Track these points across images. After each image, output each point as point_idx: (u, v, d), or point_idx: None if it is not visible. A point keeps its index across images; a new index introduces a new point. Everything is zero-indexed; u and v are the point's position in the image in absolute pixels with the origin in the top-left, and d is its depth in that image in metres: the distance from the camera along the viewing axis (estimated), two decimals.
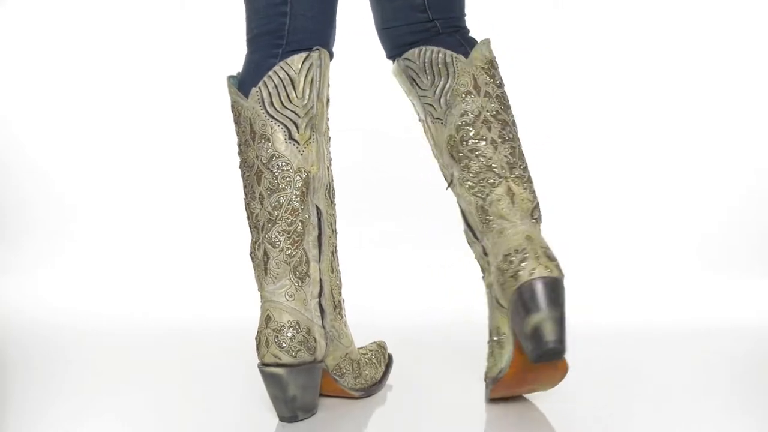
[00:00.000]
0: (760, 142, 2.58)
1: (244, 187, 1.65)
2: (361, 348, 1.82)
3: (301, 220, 1.62)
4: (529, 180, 1.67)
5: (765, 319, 2.31)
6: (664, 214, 2.56)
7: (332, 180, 1.74)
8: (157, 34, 2.66)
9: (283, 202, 1.61)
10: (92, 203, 2.61)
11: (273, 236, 1.62)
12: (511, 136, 1.68)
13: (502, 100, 1.71)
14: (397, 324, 2.16)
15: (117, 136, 2.64)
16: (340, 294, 1.74)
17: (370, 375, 1.77)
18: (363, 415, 1.70)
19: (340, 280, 1.74)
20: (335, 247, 1.73)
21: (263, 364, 1.60)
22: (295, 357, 1.59)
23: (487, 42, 1.72)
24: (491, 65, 1.71)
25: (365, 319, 2.01)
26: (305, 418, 1.61)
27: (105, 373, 1.92)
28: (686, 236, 2.54)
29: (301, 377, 1.59)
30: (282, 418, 1.61)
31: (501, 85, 1.72)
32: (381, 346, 1.84)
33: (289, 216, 1.62)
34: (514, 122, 1.71)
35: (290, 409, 1.59)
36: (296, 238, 1.62)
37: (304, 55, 1.65)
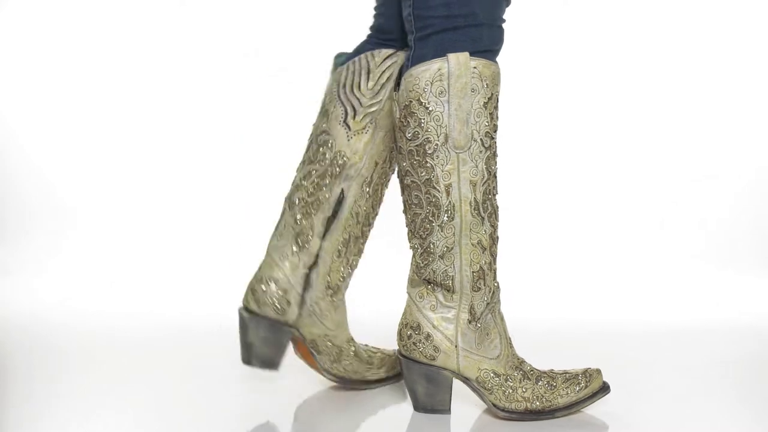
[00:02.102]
0: (762, 140, 2.58)
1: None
2: (368, 346, 1.81)
3: (319, 197, 1.67)
4: (424, 252, 1.62)
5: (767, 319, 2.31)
6: (664, 214, 2.56)
7: (384, 183, 1.73)
8: (158, 34, 2.65)
9: (312, 175, 1.68)
10: (92, 204, 2.61)
11: (293, 199, 1.70)
12: (416, 201, 1.61)
13: (414, 156, 1.58)
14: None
15: (117, 137, 2.64)
16: (342, 280, 1.73)
17: (353, 369, 1.76)
18: (362, 414, 1.70)
19: (347, 269, 1.74)
20: (357, 238, 1.72)
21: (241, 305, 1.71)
22: (260, 309, 1.67)
23: (411, 75, 1.56)
24: (408, 110, 1.57)
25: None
26: (262, 369, 1.70)
27: (105, 373, 1.92)
28: (688, 235, 2.54)
29: (262, 329, 1.67)
30: (242, 361, 1.71)
31: (414, 137, 1.57)
32: (391, 358, 1.82)
33: (311, 188, 1.68)
34: (427, 180, 1.58)
35: (246, 354, 1.69)
36: (309, 211, 1.68)
37: (391, 51, 1.67)
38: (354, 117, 1.67)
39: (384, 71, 1.67)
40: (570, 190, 2.58)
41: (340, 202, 1.68)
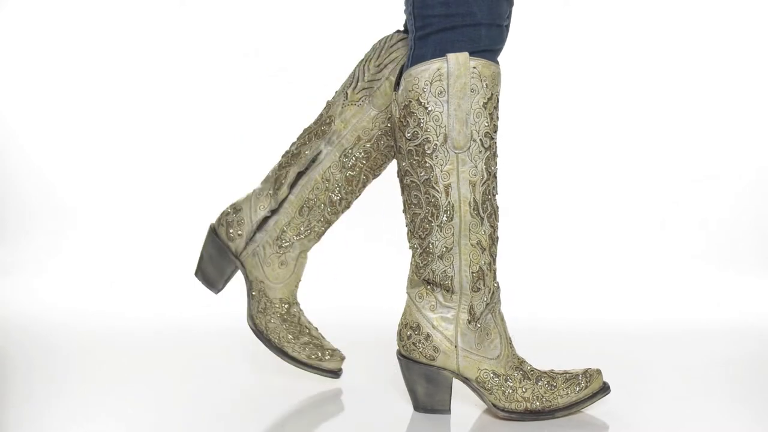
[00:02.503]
0: (762, 140, 2.58)
1: None
2: (312, 326, 1.82)
3: (298, 151, 1.78)
4: (423, 252, 1.63)
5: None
6: (665, 214, 2.56)
7: (371, 173, 1.78)
8: (158, 34, 2.65)
9: (305, 131, 1.79)
10: (92, 204, 2.61)
11: (286, 149, 1.81)
12: (416, 201, 1.62)
13: (413, 156, 1.59)
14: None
15: (117, 137, 2.64)
16: (297, 238, 1.78)
17: (274, 329, 1.79)
18: (362, 414, 1.70)
19: (307, 233, 1.78)
20: (325, 206, 1.77)
21: None
22: (217, 228, 1.82)
23: (410, 75, 1.57)
24: (407, 109, 1.58)
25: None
26: (203, 284, 1.83)
27: (105, 373, 1.92)
28: (689, 235, 2.54)
29: (212, 247, 1.82)
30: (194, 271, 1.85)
31: (414, 137, 1.59)
32: (340, 358, 1.81)
33: (299, 142, 1.79)
34: (427, 180, 1.59)
35: (198, 262, 1.84)
36: (289, 161, 1.78)
37: (405, 36, 1.71)
38: (354, 88, 1.74)
39: (392, 53, 1.71)
40: (571, 191, 2.58)
41: (313, 160, 1.76)
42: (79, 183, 2.62)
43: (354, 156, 1.75)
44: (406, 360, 1.64)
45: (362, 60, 1.76)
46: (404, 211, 1.64)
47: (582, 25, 2.62)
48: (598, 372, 1.66)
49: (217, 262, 1.82)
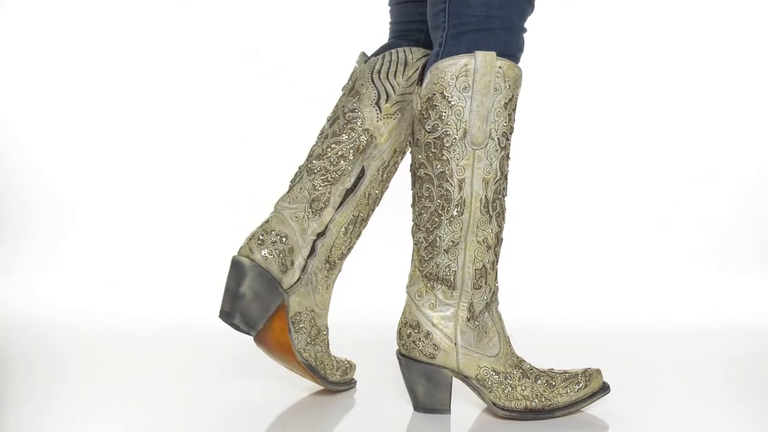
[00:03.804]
0: (762, 140, 2.58)
1: (320, 132, 1.75)
2: (335, 355, 1.79)
3: (343, 168, 1.69)
4: (429, 246, 1.62)
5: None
6: (665, 214, 2.56)
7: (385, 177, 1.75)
8: (158, 34, 2.65)
9: (336, 147, 1.70)
10: (92, 204, 2.61)
11: (314, 166, 1.70)
12: (427, 194, 1.61)
13: (431, 148, 1.59)
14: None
15: (117, 137, 2.64)
16: (340, 258, 1.73)
17: (321, 358, 1.70)
18: (362, 414, 1.70)
19: (347, 248, 1.75)
20: (363, 221, 1.75)
21: (238, 253, 1.65)
22: (266, 260, 1.62)
23: (437, 68, 1.58)
24: (430, 102, 1.59)
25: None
26: (239, 329, 1.62)
27: (105, 373, 1.92)
28: (688, 235, 2.54)
29: (258, 282, 1.61)
30: (221, 312, 1.63)
31: (434, 129, 1.59)
32: (352, 367, 1.81)
33: (336, 158, 1.70)
34: (441, 174, 1.59)
35: (231, 304, 1.61)
36: (330, 179, 1.69)
37: (427, 51, 1.72)
38: (387, 101, 1.72)
39: (419, 67, 1.72)
40: (571, 191, 2.58)
41: (359, 177, 1.71)
42: (79, 183, 2.62)
43: (389, 170, 1.75)
44: (406, 359, 1.64)
45: (369, 71, 1.73)
46: (413, 204, 1.65)
47: (582, 25, 2.62)
48: (598, 372, 1.66)
49: (263, 298, 1.62)
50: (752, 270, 2.48)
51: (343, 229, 1.72)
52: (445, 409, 1.64)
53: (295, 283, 1.67)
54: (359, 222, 1.74)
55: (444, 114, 1.58)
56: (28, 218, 2.61)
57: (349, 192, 1.71)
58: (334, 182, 1.70)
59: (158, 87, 2.64)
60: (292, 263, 1.65)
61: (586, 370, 1.65)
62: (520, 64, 1.64)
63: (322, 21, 2.63)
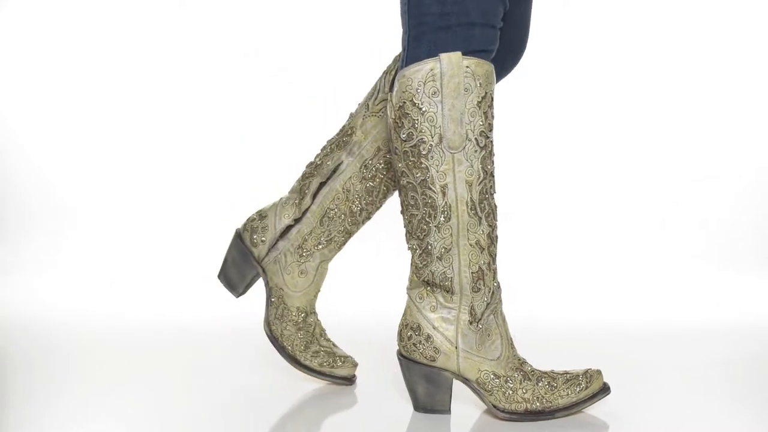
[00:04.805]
0: (762, 140, 2.58)
1: None
2: (330, 341, 1.83)
3: (321, 161, 1.79)
4: (423, 253, 1.62)
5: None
6: (665, 214, 2.56)
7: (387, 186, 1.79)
8: (158, 34, 2.65)
9: (328, 142, 1.81)
10: (92, 204, 2.61)
11: (311, 160, 1.83)
12: (413, 202, 1.61)
13: (409, 157, 1.58)
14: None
15: (117, 137, 2.64)
16: (317, 248, 1.80)
17: (288, 337, 1.80)
18: (362, 414, 1.70)
19: (327, 243, 1.79)
20: (346, 216, 1.79)
21: None
22: (242, 233, 1.84)
23: (403, 76, 1.56)
24: (402, 111, 1.57)
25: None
26: (225, 286, 1.85)
27: (105, 373, 1.92)
28: (689, 235, 2.54)
29: (236, 251, 1.85)
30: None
31: (409, 138, 1.57)
32: (353, 364, 1.83)
33: (322, 153, 1.80)
34: (423, 181, 1.58)
35: (222, 266, 1.87)
36: (312, 172, 1.80)
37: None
38: (375, 99, 1.75)
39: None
40: (571, 191, 2.58)
41: (335, 170, 1.78)
42: (79, 183, 2.62)
43: (374, 167, 1.76)
44: (406, 360, 1.64)
45: (385, 71, 1.77)
46: (402, 212, 1.64)
47: (581, 24, 2.62)
48: (599, 372, 1.66)
49: (239, 266, 1.84)
50: (752, 270, 2.47)
51: (320, 220, 1.79)
52: (445, 409, 1.64)
53: (264, 258, 1.81)
54: (339, 217, 1.78)
55: (417, 121, 1.56)
56: (28, 218, 2.61)
57: (323, 184, 1.78)
58: (316, 174, 1.79)
59: (158, 87, 2.64)
60: (263, 241, 1.81)
61: (586, 371, 1.65)
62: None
63: (322, 21, 2.63)
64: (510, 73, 1.78)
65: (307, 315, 1.82)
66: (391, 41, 2.14)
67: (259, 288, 1.91)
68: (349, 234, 1.81)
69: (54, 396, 1.77)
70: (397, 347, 1.66)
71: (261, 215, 1.83)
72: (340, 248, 1.82)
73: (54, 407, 1.70)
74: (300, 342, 1.80)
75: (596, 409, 1.67)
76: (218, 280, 1.89)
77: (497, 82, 1.74)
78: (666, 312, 2.35)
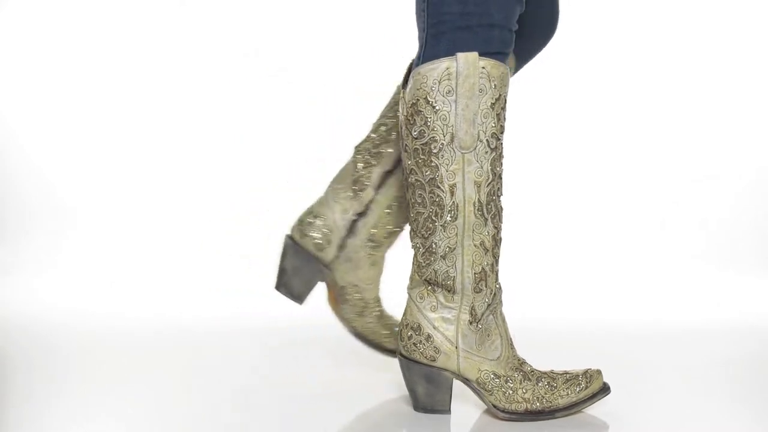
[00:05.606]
0: (762, 140, 2.58)
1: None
2: (394, 317, 1.81)
3: (382, 150, 1.72)
4: (426, 252, 1.62)
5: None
6: (665, 214, 2.56)
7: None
8: (158, 34, 2.65)
9: (381, 128, 1.74)
10: (92, 204, 2.61)
11: (360, 147, 1.75)
12: (420, 200, 1.61)
13: (419, 155, 1.58)
14: None
15: (117, 137, 2.64)
16: (385, 237, 1.75)
17: (372, 329, 1.78)
18: (362, 414, 1.70)
19: (393, 229, 1.76)
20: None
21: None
22: (301, 239, 1.74)
23: (419, 73, 1.56)
24: (415, 108, 1.57)
25: None
26: (288, 297, 1.76)
27: (105, 373, 1.92)
28: (689, 235, 2.54)
29: (296, 259, 1.75)
30: (275, 286, 1.78)
31: (421, 135, 1.57)
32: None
33: (377, 140, 1.73)
34: (432, 180, 1.58)
35: (279, 276, 1.77)
36: (370, 161, 1.73)
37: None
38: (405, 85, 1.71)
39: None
40: (571, 191, 2.58)
41: (399, 160, 1.71)
42: (79, 183, 2.62)
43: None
44: (406, 360, 1.64)
45: None
46: (407, 209, 1.64)
47: (582, 25, 2.62)
48: (599, 372, 1.66)
49: (303, 274, 1.76)
50: (752, 270, 2.47)
51: (387, 209, 1.74)
52: (445, 409, 1.64)
53: (334, 259, 1.74)
54: (404, 204, 1.73)
55: (429, 119, 1.56)
56: (28, 218, 2.60)
57: (389, 174, 1.72)
58: (376, 164, 1.73)
59: (158, 87, 2.64)
60: (329, 242, 1.73)
61: (586, 371, 1.65)
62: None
63: (321, 21, 2.63)
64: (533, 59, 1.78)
65: (380, 302, 1.81)
66: (391, 41, 2.14)
67: (259, 288, 1.91)
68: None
69: (54, 396, 1.77)
70: (397, 347, 1.66)
71: (314, 215, 1.75)
72: (401, 230, 1.78)
73: (54, 407, 1.70)
74: (382, 329, 1.79)
75: (596, 409, 1.67)
76: (278, 292, 1.79)
77: (528, 60, 1.76)
78: (666, 312, 2.35)
